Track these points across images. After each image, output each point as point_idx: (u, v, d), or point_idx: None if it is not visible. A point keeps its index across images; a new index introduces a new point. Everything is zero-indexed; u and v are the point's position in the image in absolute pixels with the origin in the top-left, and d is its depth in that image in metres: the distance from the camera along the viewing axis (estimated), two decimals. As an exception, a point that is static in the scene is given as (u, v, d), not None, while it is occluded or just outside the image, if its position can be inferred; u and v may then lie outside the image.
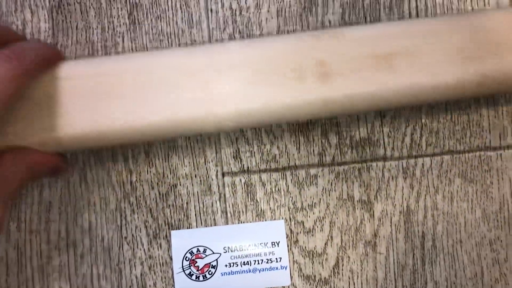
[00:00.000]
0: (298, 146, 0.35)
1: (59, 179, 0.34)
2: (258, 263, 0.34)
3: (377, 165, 0.35)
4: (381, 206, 0.35)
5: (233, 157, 0.35)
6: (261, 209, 0.34)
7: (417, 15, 0.35)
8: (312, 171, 0.35)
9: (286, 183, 0.35)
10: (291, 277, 0.34)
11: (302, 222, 0.34)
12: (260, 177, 0.35)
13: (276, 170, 0.35)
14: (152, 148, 0.34)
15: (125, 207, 0.34)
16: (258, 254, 0.34)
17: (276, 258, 0.34)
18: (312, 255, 0.34)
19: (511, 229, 0.35)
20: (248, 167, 0.35)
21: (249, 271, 0.34)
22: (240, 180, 0.35)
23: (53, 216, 0.34)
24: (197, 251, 0.34)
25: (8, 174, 0.27)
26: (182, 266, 0.34)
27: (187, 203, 0.34)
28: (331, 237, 0.34)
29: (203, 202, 0.34)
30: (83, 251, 0.34)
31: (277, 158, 0.35)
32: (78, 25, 0.34)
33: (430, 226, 0.35)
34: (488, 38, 0.30)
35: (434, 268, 0.34)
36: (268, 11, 0.35)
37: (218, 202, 0.34)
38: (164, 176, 0.34)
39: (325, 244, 0.34)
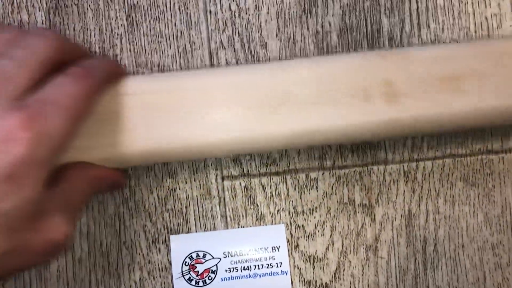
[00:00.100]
0: (298, 149, 0.34)
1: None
2: (259, 268, 0.34)
3: (378, 168, 0.34)
4: (383, 210, 0.34)
5: (233, 161, 0.34)
6: (261, 213, 0.34)
7: (418, 17, 0.35)
8: (313, 174, 0.34)
9: (286, 187, 0.34)
10: (292, 282, 0.34)
11: (303, 226, 0.34)
12: (260, 180, 0.34)
13: (277, 173, 0.34)
14: (150, 151, 0.34)
15: (123, 212, 0.34)
16: (259, 259, 0.34)
17: (277, 263, 0.34)
18: (313, 260, 0.34)
19: (513, 233, 0.34)
20: (248, 171, 0.34)
21: (249, 276, 0.33)
22: (240, 183, 0.34)
23: (51, 221, 0.34)
24: (196, 256, 0.34)
25: (73, 189, 0.27)
26: (182, 271, 0.33)
27: (186, 207, 0.34)
28: (332, 241, 0.34)
29: (202, 206, 0.34)
30: (81, 256, 0.34)
31: (277, 161, 0.34)
32: (76, 26, 0.34)
33: (431, 230, 0.34)
34: None
35: (436, 272, 0.34)
36: (268, 13, 0.35)
37: (217, 206, 0.34)
38: (163, 180, 0.34)
39: (326, 248, 0.34)
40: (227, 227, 0.34)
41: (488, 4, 0.35)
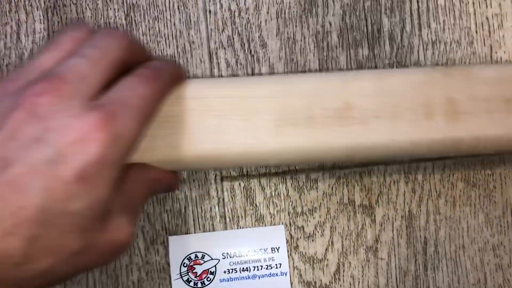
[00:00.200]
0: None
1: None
2: (258, 269, 0.33)
3: (378, 169, 0.34)
4: (383, 210, 0.34)
5: (232, 161, 0.34)
6: (260, 214, 0.34)
7: (419, 17, 0.35)
8: (313, 175, 0.34)
9: (286, 187, 0.34)
10: (291, 284, 0.34)
11: (302, 227, 0.34)
12: (259, 181, 0.34)
13: (276, 174, 0.34)
14: (149, 151, 0.34)
15: (121, 212, 0.33)
16: (258, 260, 0.33)
17: (276, 264, 0.33)
18: (313, 261, 0.34)
19: (514, 234, 0.34)
20: (247, 171, 0.34)
21: (249, 277, 0.33)
22: (239, 184, 0.34)
23: (48, 221, 0.33)
24: (195, 257, 0.33)
25: (134, 190, 0.27)
26: (180, 273, 0.33)
27: (185, 208, 0.34)
28: (332, 242, 0.34)
29: (201, 207, 0.34)
30: (79, 257, 0.33)
31: (277, 162, 0.34)
32: (74, 26, 0.34)
33: (432, 231, 0.34)
34: None
35: (437, 274, 0.34)
36: (268, 13, 0.34)
37: (216, 207, 0.34)
38: (161, 180, 0.34)
39: (326, 249, 0.34)
40: (226, 228, 0.34)
41: (489, 4, 0.35)
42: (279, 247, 0.34)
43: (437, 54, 0.35)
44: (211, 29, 0.34)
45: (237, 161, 0.29)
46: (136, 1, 0.34)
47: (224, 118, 0.28)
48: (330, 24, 0.35)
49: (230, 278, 0.33)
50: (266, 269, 0.33)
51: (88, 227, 0.23)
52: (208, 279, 0.33)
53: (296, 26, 0.34)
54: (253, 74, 0.34)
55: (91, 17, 0.34)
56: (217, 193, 0.34)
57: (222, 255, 0.33)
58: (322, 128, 0.28)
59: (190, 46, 0.34)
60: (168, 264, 0.33)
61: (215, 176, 0.34)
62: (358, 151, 0.29)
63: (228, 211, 0.34)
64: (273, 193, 0.34)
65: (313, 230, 0.34)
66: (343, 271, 0.34)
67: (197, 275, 0.33)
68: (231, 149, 0.28)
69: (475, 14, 0.35)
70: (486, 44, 0.35)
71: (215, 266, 0.33)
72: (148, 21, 0.34)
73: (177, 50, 0.34)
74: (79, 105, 0.23)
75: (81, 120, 0.23)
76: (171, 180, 0.30)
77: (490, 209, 0.34)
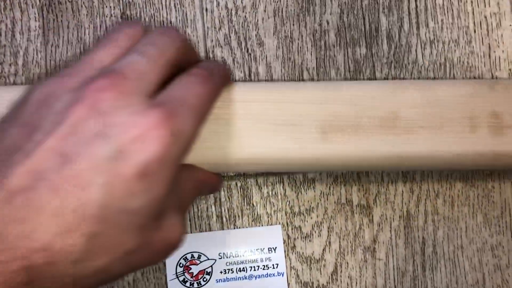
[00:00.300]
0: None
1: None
2: (254, 270, 0.33)
3: (376, 168, 0.34)
4: (381, 210, 0.34)
5: (229, 160, 0.34)
6: (257, 214, 0.34)
7: (417, 16, 0.34)
8: (310, 174, 0.34)
9: (283, 187, 0.34)
10: (288, 284, 0.33)
11: (300, 227, 0.34)
12: (256, 180, 0.34)
13: (273, 173, 0.34)
14: (145, 150, 0.34)
15: (117, 212, 0.33)
16: (254, 260, 0.33)
17: (273, 265, 0.33)
18: (310, 261, 0.34)
19: (513, 235, 0.34)
20: (244, 171, 0.34)
21: (245, 277, 0.33)
22: (236, 183, 0.34)
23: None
24: (191, 257, 0.33)
25: (184, 190, 0.27)
26: (176, 273, 0.33)
27: (181, 208, 0.33)
28: (329, 242, 0.34)
29: (197, 206, 0.34)
30: (74, 257, 0.33)
31: (274, 161, 0.34)
32: (70, 24, 0.34)
33: (430, 231, 0.34)
34: None
35: (435, 274, 0.34)
36: (265, 11, 0.34)
37: (213, 207, 0.34)
38: (157, 179, 0.33)
39: (323, 250, 0.34)
40: (222, 228, 0.34)
41: (487, 3, 0.35)
42: (276, 247, 0.33)
43: (435, 53, 0.35)
44: (207, 27, 0.34)
45: (282, 166, 0.30)
46: (132, -1, 0.34)
47: (271, 123, 0.29)
48: (328, 23, 0.34)
49: (227, 279, 0.33)
50: (263, 269, 0.33)
51: (145, 225, 0.23)
52: (204, 279, 0.33)
53: (293, 25, 0.34)
54: (249, 73, 0.34)
55: (86, 15, 0.34)
56: (213, 192, 0.34)
57: (219, 255, 0.33)
58: (368, 137, 0.29)
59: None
60: (164, 264, 0.33)
61: (212, 176, 0.34)
62: (402, 161, 0.29)
63: (224, 210, 0.34)
64: (270, 193, 0.34)
65: (310, 230, 0.34)
66: (341, 271, 0.34)
67: (193, 275, 0.33)
68: (277, 154, 0.29)
69: (473, 13, 0.35)
70: (485, 43, 0.35)
71: (211, 266, 0.33)
72: (144, 19, 0.34)
73: (174, 49, 0.34)
74: (139, 102, 0.23)
75: (142, 117, 0.22)
76: (216, 182, 0.30)
77: (489, 209, 0.34)
